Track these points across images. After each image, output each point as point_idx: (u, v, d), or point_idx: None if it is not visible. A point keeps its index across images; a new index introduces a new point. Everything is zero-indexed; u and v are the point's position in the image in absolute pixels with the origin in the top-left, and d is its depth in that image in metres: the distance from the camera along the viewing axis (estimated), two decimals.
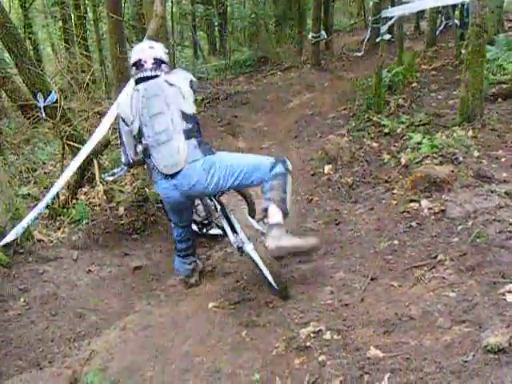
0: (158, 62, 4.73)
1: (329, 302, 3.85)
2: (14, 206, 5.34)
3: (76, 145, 5.67)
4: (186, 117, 4.55)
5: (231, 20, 18.08)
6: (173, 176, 4.47)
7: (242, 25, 17.31)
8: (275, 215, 4.24)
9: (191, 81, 4.71)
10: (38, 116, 7.92)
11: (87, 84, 9.86)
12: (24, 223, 5.07)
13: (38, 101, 7.00)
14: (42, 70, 7.33)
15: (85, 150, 5.54)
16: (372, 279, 4.04)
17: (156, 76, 4.67)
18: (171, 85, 4.60)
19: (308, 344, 3.31)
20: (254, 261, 4.40)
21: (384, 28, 8.00)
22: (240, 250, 4.57)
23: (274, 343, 3.43)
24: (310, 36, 12.33)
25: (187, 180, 4.43)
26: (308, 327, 3.49)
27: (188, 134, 4.51)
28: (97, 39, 15.32)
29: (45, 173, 7.03)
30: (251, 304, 4.19)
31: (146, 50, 4.79)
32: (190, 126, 4.53)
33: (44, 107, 7.02)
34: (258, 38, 16.04)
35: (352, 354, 3.11)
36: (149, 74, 4.70)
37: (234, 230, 4.70)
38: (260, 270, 4.32)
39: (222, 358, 3.46)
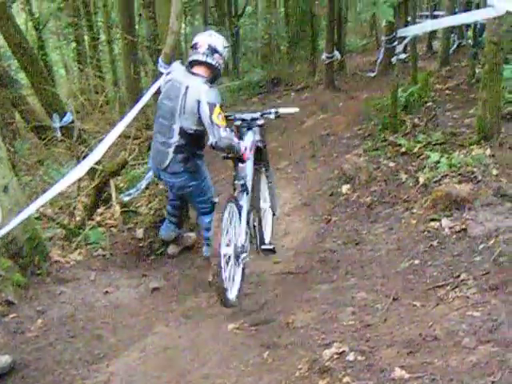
0: (212, 50, 4.93)
1: (351, 322, 3.80)
2: (31, 226, 5.31)
3: (92, 165, 5.65)
4: (182, 132, 4.89)
5: (244, 41, 18.18)
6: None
7: (255, 46, 17.42)
8: None
9: (203, 102, 4.82)
10: (52, 137, 7.95)
11: (101, 105, 9.91)
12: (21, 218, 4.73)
13: (54, 121, 7.03)
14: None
15: (87, 163, 5.44)
16: (394, 299, 4.00)
17: (206, 63, 4.92)
18: (186, 94, 4.83)
19: (331, 365, 3.24)
20: None
21: (400, 47, 8.01)
22: None
23: (296, 365, 3.36)
24: (323, 56, 12.36)
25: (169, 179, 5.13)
26: (331, 348, 3.43)
27: (178, 149, 4.92)
28: (110, 60, 15.43)
29: (59, 193, 7.00)
30: (272, 325, 4.12)
31: (204, 36, 5.05)
32: (183, 141, 4.91)
33: (60, 128, 7.06)
34: (271, 58, 16.10)
35: (377, 375, 3.05)
36: (200, 58, 4.93)
37: None
38: None
39: (244, 380, 3.39)
